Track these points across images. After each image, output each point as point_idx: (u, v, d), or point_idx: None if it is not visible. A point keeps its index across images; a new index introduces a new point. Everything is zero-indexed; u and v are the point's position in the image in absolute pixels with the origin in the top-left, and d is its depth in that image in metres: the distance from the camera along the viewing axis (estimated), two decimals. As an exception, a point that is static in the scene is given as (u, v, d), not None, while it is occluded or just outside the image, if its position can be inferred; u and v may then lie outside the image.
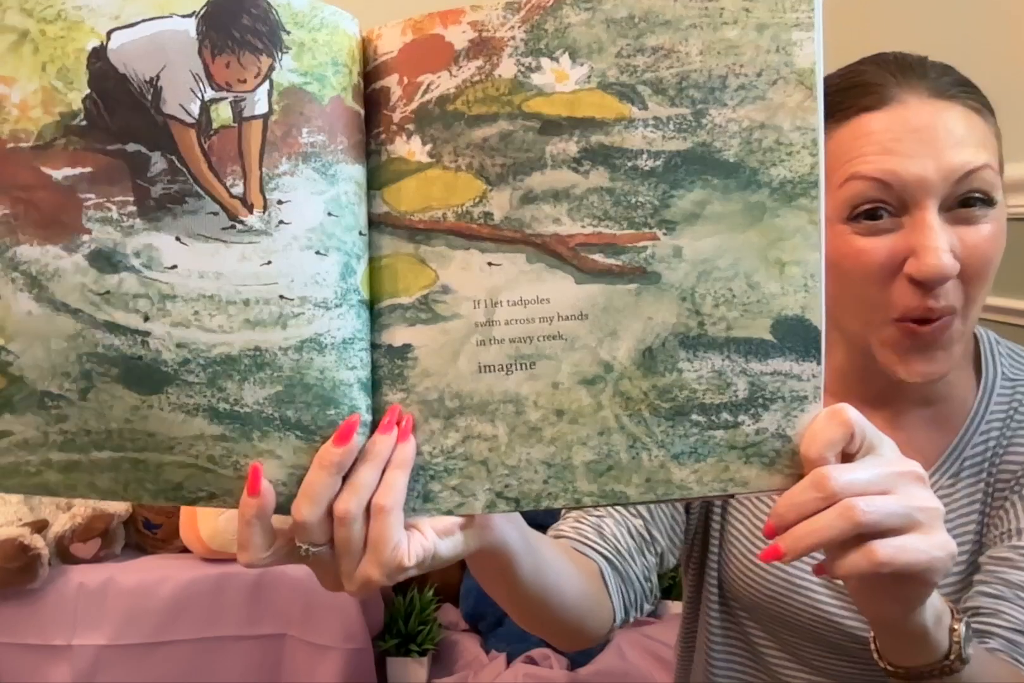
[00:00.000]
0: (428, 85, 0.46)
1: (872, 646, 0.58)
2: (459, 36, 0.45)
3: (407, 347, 0.47)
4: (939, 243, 0.62)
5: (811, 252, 0.45)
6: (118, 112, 0.43)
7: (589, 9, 0.45)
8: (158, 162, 0.43)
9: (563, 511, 0.78)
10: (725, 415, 0.45)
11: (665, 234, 0.45)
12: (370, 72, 0.47)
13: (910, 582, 0.47)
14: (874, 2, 1.78)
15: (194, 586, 1.43)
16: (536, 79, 0.45)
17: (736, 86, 0.44)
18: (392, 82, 0.46)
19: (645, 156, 0.45)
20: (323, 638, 1.43)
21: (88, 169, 0.43)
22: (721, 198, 0.45)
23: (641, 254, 0.45)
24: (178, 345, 0.44)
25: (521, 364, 0.46)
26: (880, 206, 0.64)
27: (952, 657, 0.53)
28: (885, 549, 0.44)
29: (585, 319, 0.46)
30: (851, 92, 0.68)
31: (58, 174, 0.43)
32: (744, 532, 0.79)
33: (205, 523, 1.42)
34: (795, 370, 0.45)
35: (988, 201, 0.65)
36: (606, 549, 0.75)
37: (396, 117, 0.46)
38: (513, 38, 0.45)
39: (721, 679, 0.87)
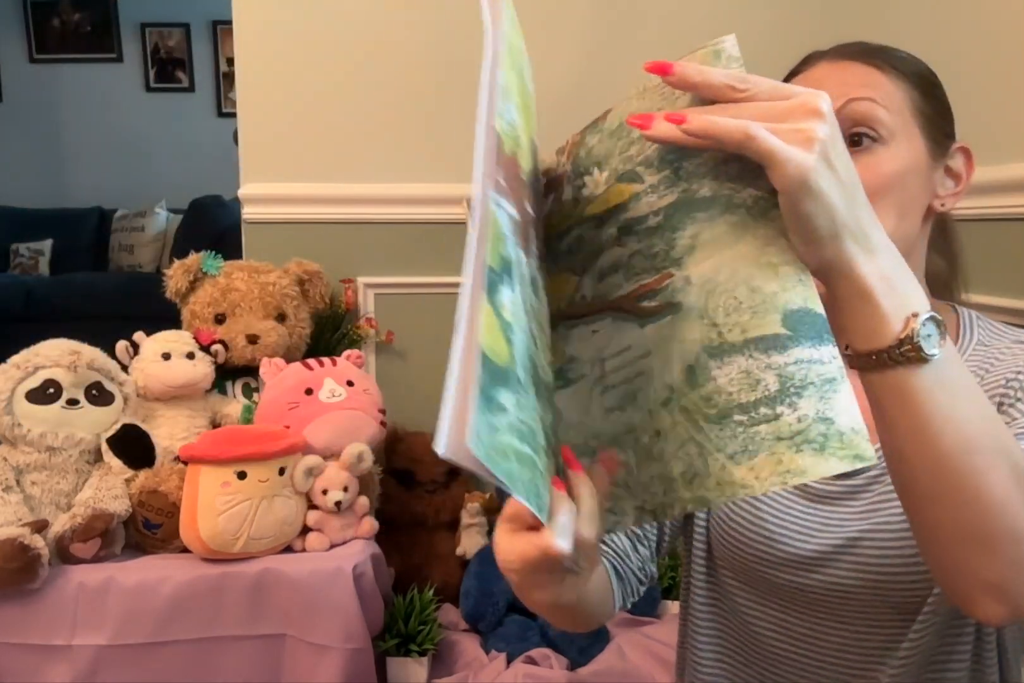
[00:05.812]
0: None
1: (844, 349, 0.54)
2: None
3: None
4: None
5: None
6: None
7: (598, 131, 0.59)
8: None
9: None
10: (763, 409, 0.48)
11: (677, 270, 0.53)
12: None
13: (787, 194, 0.48)
14: (877, 10, 1.78)
15: (194, 586, 1.42)
16: (584, 192, 0.59)
17: None
18: None
19: (651, 216, 0.55)
20: (323, 638, 1.42)
21: None
22: (708, 227, 0.51)
23: (667, 291, 0.53)
24: None
25: (629, 400, 0.55)
26: None
27: (906, 347, 0.51)
28: (695, 115, 0.48)
29: (651, 355, 0.54)
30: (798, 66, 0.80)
31: None
32: None
33: (205, 523, 1.42)
34: (815, 356, 0.47)
35: (875, 137, 0.70)
36: (607, 554, 0.83)
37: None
38: (566, 171, 0.61)
39: (705, 649, 0.93)
